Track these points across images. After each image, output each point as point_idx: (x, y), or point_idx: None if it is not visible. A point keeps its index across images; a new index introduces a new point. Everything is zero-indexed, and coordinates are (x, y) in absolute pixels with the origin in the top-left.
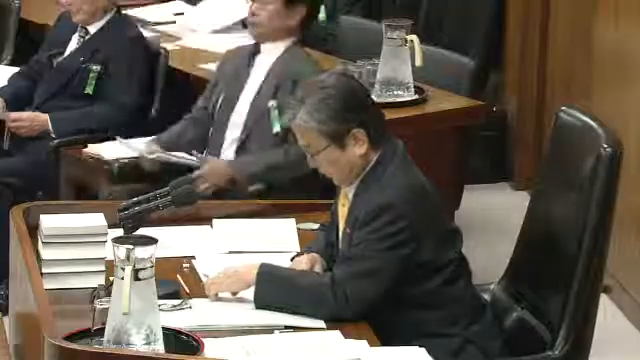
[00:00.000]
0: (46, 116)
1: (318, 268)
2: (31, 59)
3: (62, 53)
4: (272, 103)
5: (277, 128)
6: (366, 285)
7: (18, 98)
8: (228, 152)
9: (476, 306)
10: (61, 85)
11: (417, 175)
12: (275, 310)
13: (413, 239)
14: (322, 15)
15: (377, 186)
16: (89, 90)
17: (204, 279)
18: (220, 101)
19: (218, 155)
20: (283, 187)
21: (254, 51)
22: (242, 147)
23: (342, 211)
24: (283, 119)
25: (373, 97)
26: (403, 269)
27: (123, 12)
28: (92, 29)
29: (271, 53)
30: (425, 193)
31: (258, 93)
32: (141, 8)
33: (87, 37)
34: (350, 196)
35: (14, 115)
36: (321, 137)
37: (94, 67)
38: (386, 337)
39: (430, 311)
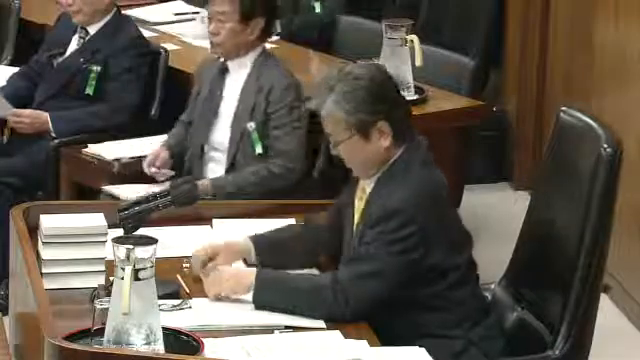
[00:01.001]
0: (46, 115)
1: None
2: (31, 59)
3: (62, 53)
4: (250, 125)
5: (259, 150)
6: (368, 287)
7: (17, 98)
8: (216, 170)
9: (481, 308)
10: (61, 85)
11: (435, 176)
12: (275, 311)
13: (423, 244)
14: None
15: (394, 185)
16: (89, 90)
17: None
18: (198, 119)
19: (201, 173)
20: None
21: (223, 69)
22: (231, 168)
23: (358, 204)
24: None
25: None
26: (409, 274)
27: (123, 12)
28: (92, 30)
29: (239, 72)
30: (440, 197)
31: (235, 115)
32: (141, 8)
33: (87, 38)
34: (368, 190)
35: (16, 111)
36: (346, 126)
37: (94, 68)
38: (388, 338)
39: (435, 313)
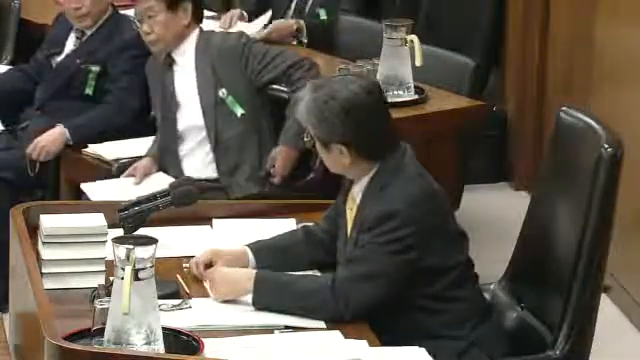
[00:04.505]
0: (59, 130)
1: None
2: (31, 58)
3: (60, 53)
4: (222, 92)
5: (240, 111)
6: (366, 288)
7: (15, 99)
8: (197, 153)
9: (481, 308)
10: (61, 86)
11: (426, 181)
12: (275, 312)
13: (418, 245)
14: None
15: (384, 192)
16: (89, 91)
17: (204, 280)
18: (159, 118)
19: (179, 165)
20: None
21: (169, 61)
22: (218, 145)
23: (350, 214)
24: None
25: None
26: (406, 274)
27: (121, 12)
28: (88, 30)
29: (185, 57)
30: (433, 199)
31: (200, 93)
32: None
33: (84, 38)
34: (357, 200)
35: (30, 147)
36: (312, 133)
37: (93, 68)
38: (390, 339)
39: (436, 314)
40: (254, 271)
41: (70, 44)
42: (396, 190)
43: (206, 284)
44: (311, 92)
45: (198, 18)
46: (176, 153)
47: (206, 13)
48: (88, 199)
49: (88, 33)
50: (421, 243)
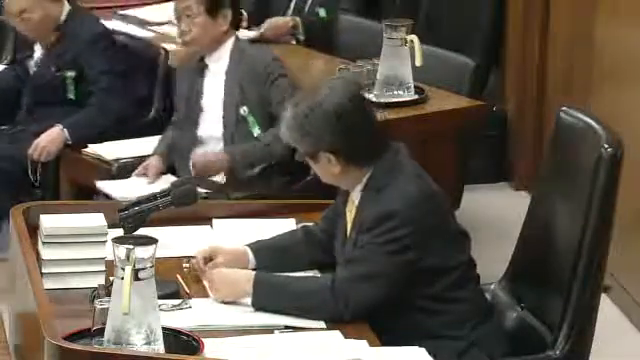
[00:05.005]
0: (57, 130)
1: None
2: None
3: (31, 56)
4: (244, 109)
5: (257, 132)
6: (366, 288)
7: (9, 98)
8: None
9: (483, 308)
10: (43, 94)
11: (424, 181)
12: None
13: (417, 245)
14: (322, 13)
15: (382, 194)
16: (71, 96)
17: (204, 280)
18: (180, 117)
19: (189, 171)
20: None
21: (201, 65)
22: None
23: (349, 216)
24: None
25: (372, 97)
26: (406, 274)
27: (82, 9)
28: (51, 36)
29: (218, 64)
30: (432, 199)
31: (224, 106)
32: (141, 8)
33: (48, 44)
34: (356, 202)
35: (31, 149)
36: (299, 146)
37: (68, 74)
38: (390, 339)
39: (436, 314)
40: (253, 273)
41: (38, 48)
42: (394, 191)
43: (206, 283)
44: (291, 109)
45: (236, 25)
46: (190, 155)
47: None
48: (100, 199)
49: (52, 38)
50: (420, 243)
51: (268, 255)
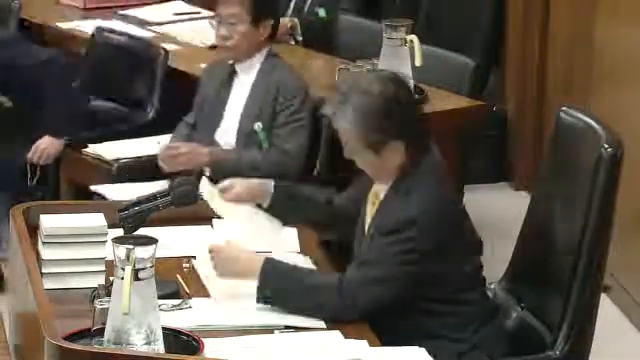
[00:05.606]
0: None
1: None
2: None
3: None
4: (258, 125)
5: (266, 148)
6: (375, 291)
7: None
8: None
9: (486, 310)
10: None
11: (448, 191)
12: (275, 309)
13: (432, 255)
14: (322, 13)
15: (407, 196)
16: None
17: (204, 280)
18: (203, 120)
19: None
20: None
21: (231, 71)
22: None
23: (371, 209)
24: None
25: None
26: (418, 281)
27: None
28: None
29: (248, 73)
30: (451, 209)
31: (242, 116)
32: (141, 8)
33: None
34: (381, 196)
35: (31, 152)
36: (358, 142)
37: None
38: (390, 339)
39: (439, 316)
40: (262, 256)
41: None
42: (420, 197)
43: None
44: (347, 100)
45: (273, 36)
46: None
47: (206, 13)
48: (100, 199)
49: None
50: (436, 253)
51: (286, 198)
